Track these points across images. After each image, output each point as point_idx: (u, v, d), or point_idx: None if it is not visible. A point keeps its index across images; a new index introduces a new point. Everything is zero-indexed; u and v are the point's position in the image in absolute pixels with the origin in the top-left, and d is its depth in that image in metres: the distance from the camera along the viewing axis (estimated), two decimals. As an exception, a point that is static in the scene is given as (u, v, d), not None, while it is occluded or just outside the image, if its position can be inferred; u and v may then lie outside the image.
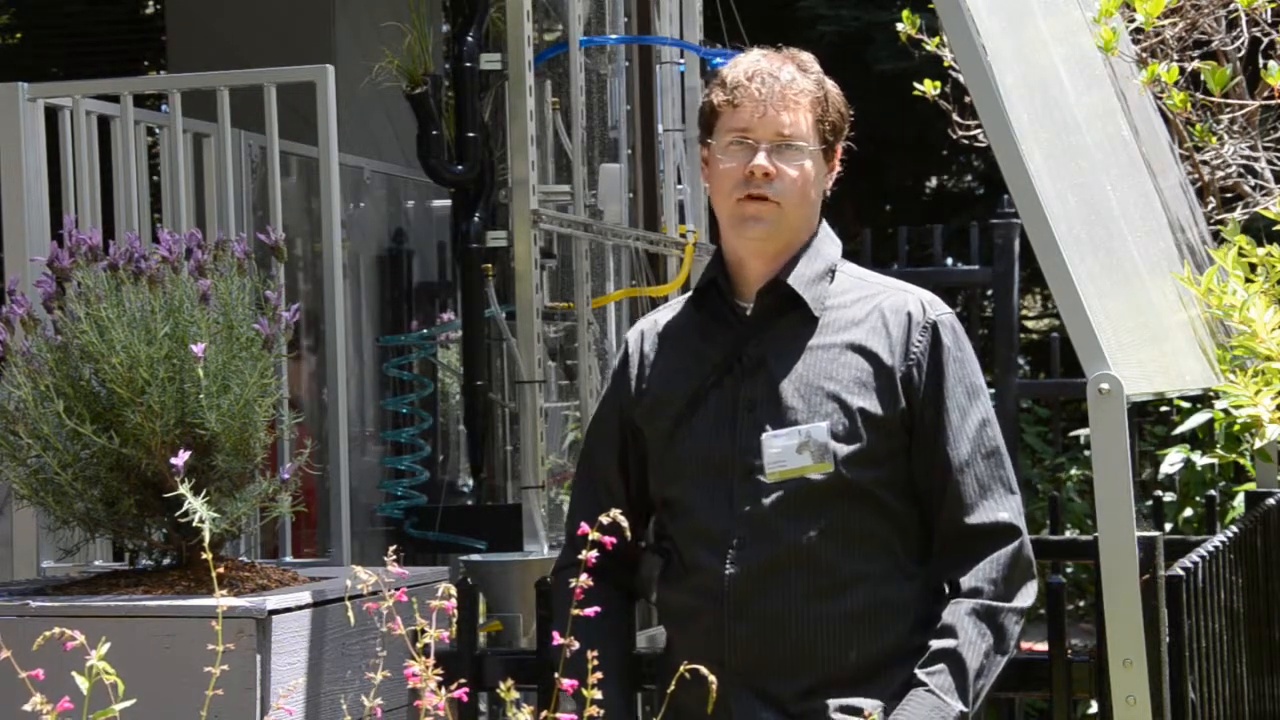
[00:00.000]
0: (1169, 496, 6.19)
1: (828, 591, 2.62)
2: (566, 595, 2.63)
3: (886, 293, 2.73)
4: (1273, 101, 4.05)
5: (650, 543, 2.78)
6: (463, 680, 2.12)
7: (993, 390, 7.11)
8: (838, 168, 2.77)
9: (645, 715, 4.14)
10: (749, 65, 2.71)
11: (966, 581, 2.62)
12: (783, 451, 2.63)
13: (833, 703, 2.60)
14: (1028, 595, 2.64)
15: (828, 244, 2.77)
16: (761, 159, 2.66)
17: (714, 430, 2.68)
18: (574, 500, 2.88)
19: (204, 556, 2.17)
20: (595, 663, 2.01)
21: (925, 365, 2.66)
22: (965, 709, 2.56)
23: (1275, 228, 3.75)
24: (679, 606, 2.71)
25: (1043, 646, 2.98)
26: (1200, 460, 6.00)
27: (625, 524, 2.15)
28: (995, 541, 2.64)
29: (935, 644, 2.59)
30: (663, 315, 2.86)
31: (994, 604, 2.60)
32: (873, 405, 2.64)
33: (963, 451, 2.65)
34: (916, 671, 2.58)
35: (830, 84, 2.75)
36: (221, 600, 2.14)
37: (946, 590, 2.65)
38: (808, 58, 2.75)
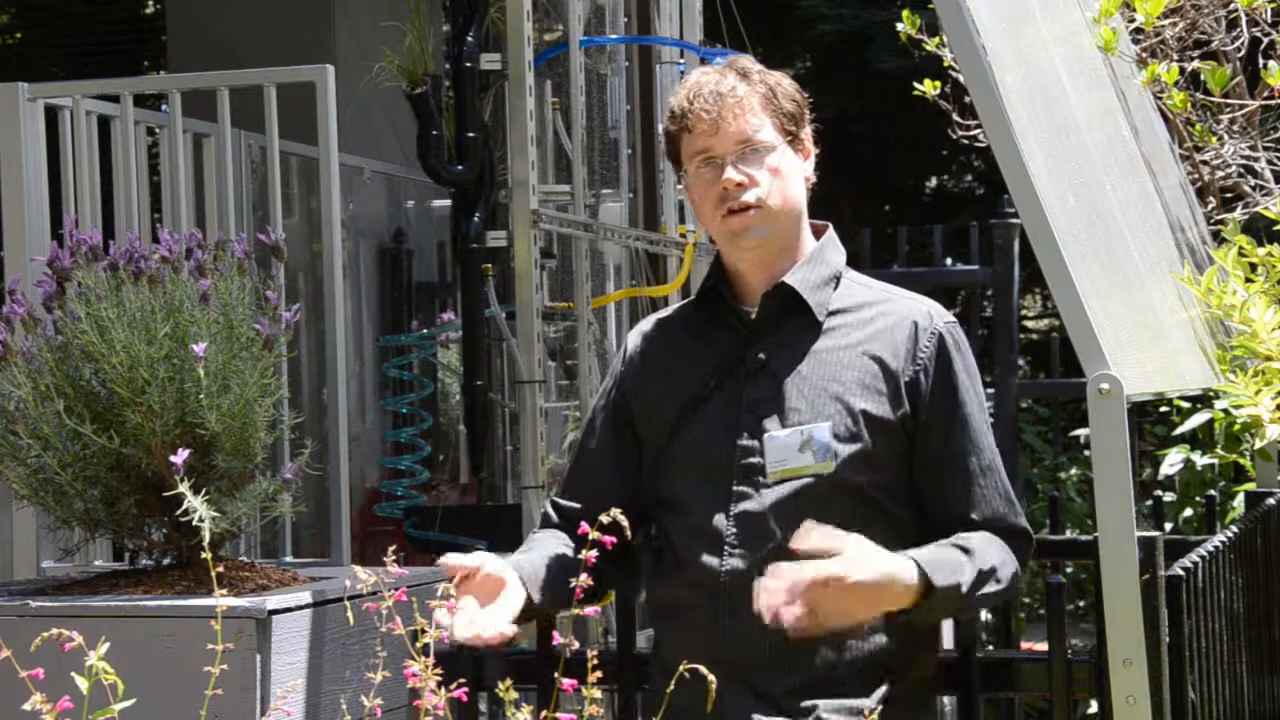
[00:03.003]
0: (1169, 496, 6.18)
1: (824, 592, 2.62)
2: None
3: (891, 300, 2.74)
4: (1273, 101, 4.05)
5: (641, 542, 2.79)
6: (462, 680, 2.12)
7: (992, 390, 7.11)
8: (812, 153, 2.77)
9: (645, 715, 4.13)
10: (690, 88, 2.73)
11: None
12: (784, 450, 2.63)
13: (824, 703, 2.60)
14: (1021, 579, 2.67)
15: (833, 251, 2.78)
16: (730, 172, 2.67)
17: (715, 430, 2.69)
18: (564, 490, 2.88)
19: (204, 556, 2.17)
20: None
21: (931, 372, 2.67)
22: (965, 590, 2.55)
23: (1275, 228, 3.74)
24: (671, 601, 2.71)
25: (1043, 646, 2.98)
26: (1200, 460, 5.99)
27: (625, 523, 2.18)
28: (1018, 543, 2.68)
29: (948, 540, 2.63)
30: (665, 317, 2.87)
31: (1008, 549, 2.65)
32: (876, 409, 2.64)
33: (983, 461, 2.67)
34: (926, 546, 2.59)
35: (776, 77, 2.75)
36: (221, 600, 2.14)
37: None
38: (747, 62, 2.76)
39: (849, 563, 2.43)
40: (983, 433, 2.69)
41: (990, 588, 2.59)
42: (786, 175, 2.70)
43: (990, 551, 2.61)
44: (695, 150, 2.70)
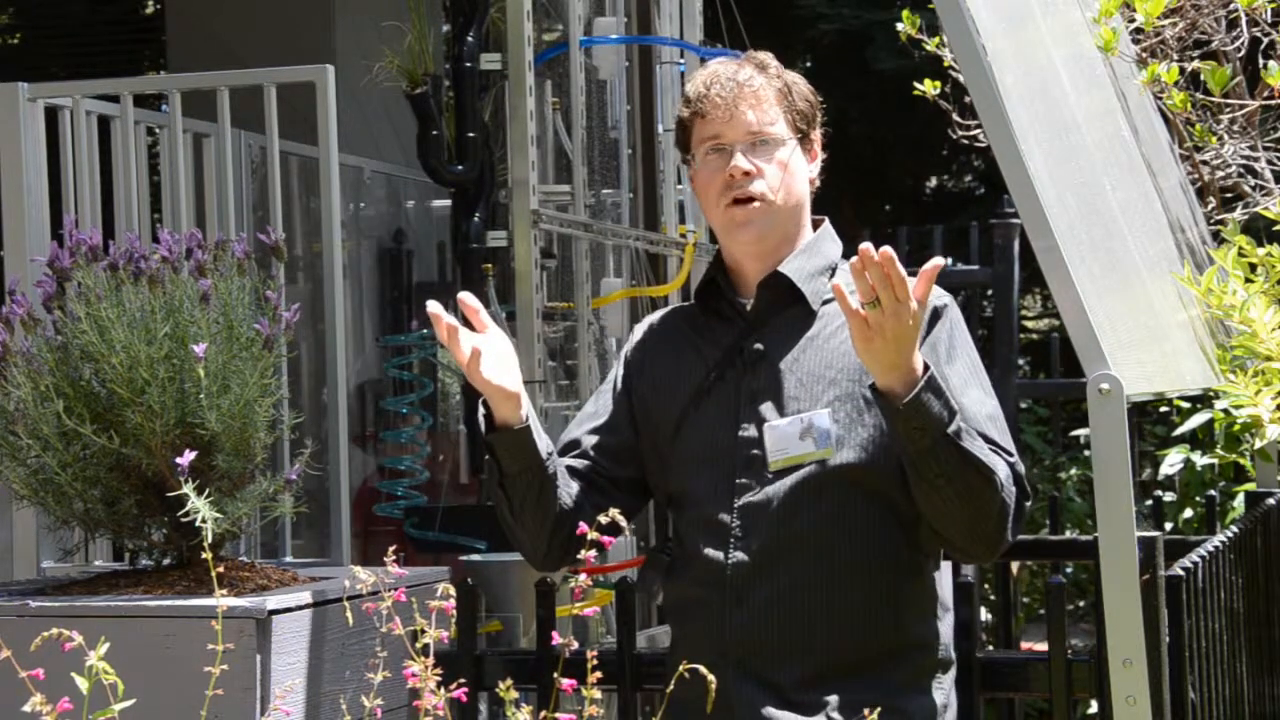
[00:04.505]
0: (1169, 496, 6.18)
1: (828, 581, 2.62)
2: None
3: None
4: (1273, 101, 4.05)
5: (657, 545, 2.80)
6: (462, 680, 2.12)
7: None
8: (820, 155, 2.79)
9: (645, 715, 4.14)
10: (707, 75, 2.74)
11: None
12: (785, 439, 2.64)
13: (832, 696, 2.60)
14: (1016, 519, 2.61)
15: (828, 243, 2.79)
16: (739, 160, 2.68)
17: (717, 422, 2.70)
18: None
19: (204, 556, 2.17)
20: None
21: (924, 345, 2.66)
22: (950, 425, 2.48)
23: (1275, 228, 3.75)
24: (682, 599, 2.73)
25: (1043, 646, 2.98)
26: (1200, 460, 5.99)
27: (625, 523, 2.20)
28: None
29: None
30: (669, 313, 2.89)
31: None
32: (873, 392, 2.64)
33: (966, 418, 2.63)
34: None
35: (792, 76, 2.77)
36: (221, 600, 2.14)
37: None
38: (765, 57, 2.77)
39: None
40: (974, 399, 2.63)
41: (977, 445, 2.52)
42: (793, 172, 2.71)
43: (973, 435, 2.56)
44: (706, 136, 2.71)
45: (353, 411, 6.23)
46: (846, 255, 2.80)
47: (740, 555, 2.64)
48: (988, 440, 2.59)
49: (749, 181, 2.68)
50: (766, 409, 2.67)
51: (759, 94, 2.70)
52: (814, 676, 2.62)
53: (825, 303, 2.73)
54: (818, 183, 2.80)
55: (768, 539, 2.63)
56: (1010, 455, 2.63)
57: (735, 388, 2.71)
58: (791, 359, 2.69)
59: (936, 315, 2.69)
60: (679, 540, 2.73)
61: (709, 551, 2.66)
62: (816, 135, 2.78)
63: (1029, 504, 2.65)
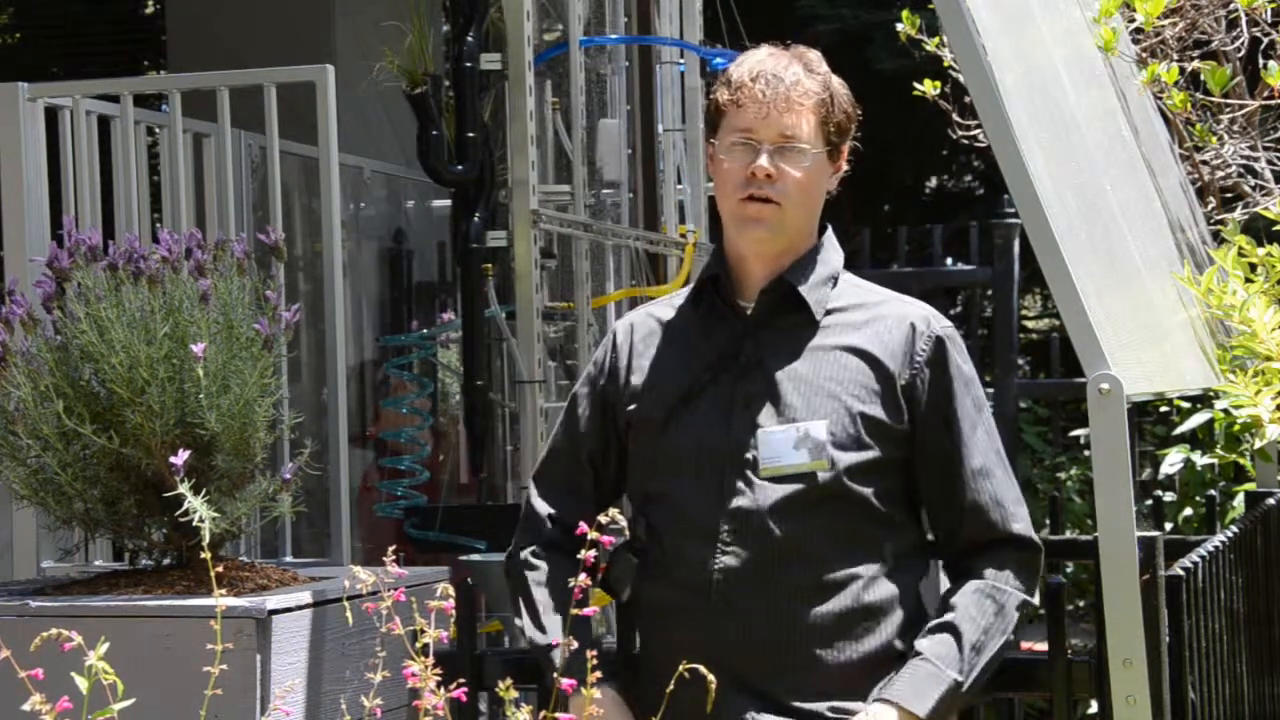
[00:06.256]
0: (1169, 496, 6.18)
1: (815, 591, 2.61)
2: (521, 577, 2.74)
3: (889, 303, 2.73)
4: (1273, 101, 4.05)
5: (624, 541, 2.77)
6: (462, 680, 2.12)
7: (992, 390, 7.11)
8: (844, 167, 2.77)
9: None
10: (754, 65, 2.70)
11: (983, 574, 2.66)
12: (779, 447, 2.62)
13: (823, 706, 2.60)
14: (1033, 594, 2.68)
15: (831, 252, 2.77)
16: (763, 161, 2.65)
17: (708, 425, 2.67)
18: (541, 477, 2.86)
19: (204, 556, 2.17)
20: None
21: (929, 378, 2.66)
22: (960, 679, 2.57)
23: (1275, 228, 3.74)
24: (660, 602, 2.69)
25: (1043, 646, 2.98)
26: (1200, 460, 5.99)
27: (624, 522, 2.18)
28: (1019, 552, 2.68)
29: (936, 620, 2.63)
30: (655, 309, 2.84)
31: (999, 585, 2.64)
32: (872, 411, 2.64)
33: (976, 463, 2.65)
34: (915, 642, 2.60)
35: (837, 82, 2.74)
36: (221, 600, 2.14)
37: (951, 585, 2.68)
38: (815, 56, 2.74)
39: None
40: (980, 438, 2.67)
41: (982, 658, 2.61)
42: (814, 182, 2.70)
43: (975, 613, 2.62)
44: (737, 127, 2.68)
45: (351, 407, 6.23)
46: (846, 263, 2.80)
47: (728, 561, 2.62)
48: (997, 502, 2.65)
49: (770, 184, 2.66)
50: (762, 415, 2.65)
51: (801, 100, 2.67)
52: (808, 687, 2.61)
53: (829, 313, 2.71)
54: (834, 193, 2.79)
55: (758, 546, 2.61)
56: (1003, 514, 2.67)
57: (730, 391, 2.68)
58: (791, 367, 2.67)
59: (941, 352, 2.67)
60: (658, 542, 2.69)
61: (694, 556, 2.63)
62: (846, 147, 2.76)
63: (1041, 557, 2.71)
